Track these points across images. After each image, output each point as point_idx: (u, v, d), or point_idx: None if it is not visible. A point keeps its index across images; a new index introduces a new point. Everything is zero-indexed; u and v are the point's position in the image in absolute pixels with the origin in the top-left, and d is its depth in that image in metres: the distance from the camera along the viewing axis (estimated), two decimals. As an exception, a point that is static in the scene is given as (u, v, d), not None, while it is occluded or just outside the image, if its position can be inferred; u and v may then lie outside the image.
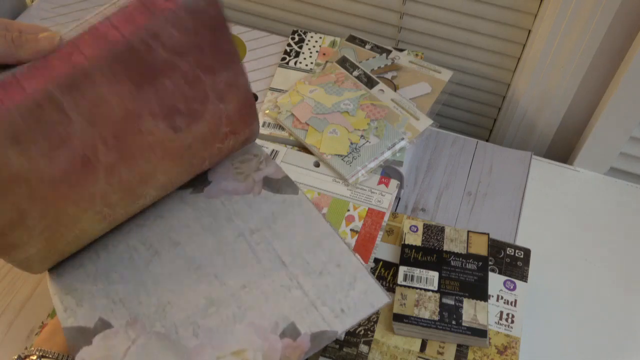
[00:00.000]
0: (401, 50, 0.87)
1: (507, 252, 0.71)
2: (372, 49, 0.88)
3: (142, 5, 0.51)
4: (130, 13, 0.51)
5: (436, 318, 0.64)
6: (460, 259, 0.68)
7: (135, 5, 0.51)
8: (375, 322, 0.66)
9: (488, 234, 0.70)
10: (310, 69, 0.88)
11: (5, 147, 0.41)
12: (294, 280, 0.45)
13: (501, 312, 0.67)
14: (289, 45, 0.91)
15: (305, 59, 0.89)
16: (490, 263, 0.70)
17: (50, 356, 0.54)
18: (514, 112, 0.91)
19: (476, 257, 0.68)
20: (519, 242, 0.75)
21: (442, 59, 0.93)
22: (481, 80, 0.94)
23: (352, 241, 0.70)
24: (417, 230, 0.71)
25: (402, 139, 0.77)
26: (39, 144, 0.41)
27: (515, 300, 0.67)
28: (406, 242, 0.70)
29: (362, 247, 0.69)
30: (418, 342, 0.65)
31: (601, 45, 0.77)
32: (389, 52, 0.87)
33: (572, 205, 0.81)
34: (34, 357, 0.53)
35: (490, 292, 0.67)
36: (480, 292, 0.65)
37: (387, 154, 0.76)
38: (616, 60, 0.78)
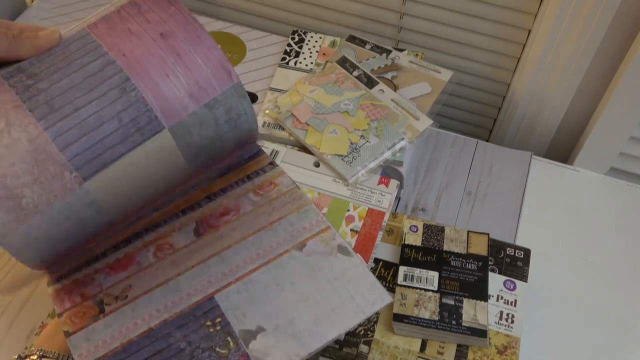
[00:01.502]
0: (401, 50, 0.87)
1: (507, 252, 0.71)
2: (372, 49, 0.88)
3: (133, 7, 0.51)
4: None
5: (436, 318, 0.64)
6: (460, 259, 0.68)
7: (125, 7, 0.52)
8: (375, 322, 0.66)
9: (488, 234, 0.70)
10: (310, 69, 0.88)
11: None
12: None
13: (501, 312, 0.67)
14: (289, 45, 0.91)
15: (305, 59, 0.89)
16: (490, 263, 0.70)
17: (50, 356, 0.53)
18: (514, 112, 0.91)
19: (476, 257, 0.68)
20: (519, 242, 0.75)
21: (442, 59, 0.93)
22: (481, 80, 0.94)
23: (352, 241, 0.70)
24: (417, 230, 0.71)
25: (402, 139, 0.77)
26: None
27: (515, 300, 0.67)
28: (406, 242, 0.70)
29: (362, 247, 0.69)
30: (418, 342, 0.65)
31: (601, 45, 0.77)
32: (389, 52, 0.87)
33: (572, 205, 0.81)
34: (35, 357, 0.53)
35: (490, 292, 0.67)
36: (480, 292, 0.65)
37: (387, 154, 0.76)
38: (616, 60, 0.78)
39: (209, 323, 0.53)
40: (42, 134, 0.48)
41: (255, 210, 0.58)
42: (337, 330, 0.52)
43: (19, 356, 0.54)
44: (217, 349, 0.52)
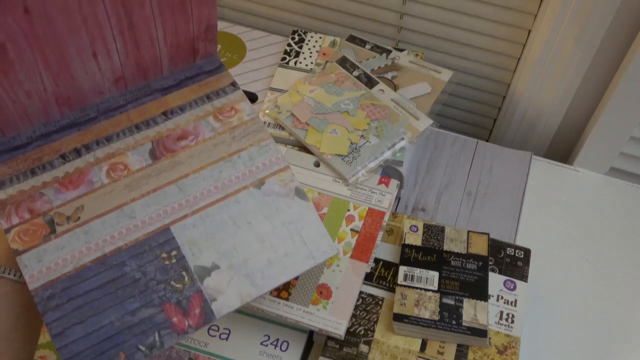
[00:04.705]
0: (401, 50, 0.87)
1: (507, 252, 0.71)
2: (372, 49, 0.88)
3: None
4: None
5: (436, 318, 0.64)
6: (460, 259, 0.68)
7: None
8: (376, 322, 0.66)
9: (488, 234, 0.70)
10: (310, 69, 0.88)
11: None
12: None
13: (501, 312, 0.67)
14: (289, 45, 0.91)
15: (305, 59, 0.89)
16: (490, 263, 0.70)
17: None
18: (514, 112, 0.91)
19: (476, 257, 0.68)
20: (519, 242, 0.75)
21: (442, 59, 0.93)
22: (481, 80, 0.94)
23: (353, 241, 0.70)
24: (417, 230, 0.71)
25: (402, 138, 0.77)
26: None
27: (515, 300, 0.67)
28: (406, 242, 0.70)
29: (362, 247, 0.69)
30: (418, 342, 0.65)
31: (601, 45, 0.77)
32: (389, 52, 0.87)
33: (572, 205, 0.81)
34: None
35: (490, 292, 0.67)
36: (480, 292, 0.65)
37: (387, 154, 0.76)
38: (616, 60, 0.78)
39: (164, 255, 0.52)
40: None
41: (215, 138, 0.56)
42: (288, 274, 0.52)
43: None
44: (172, 283, 0.51)
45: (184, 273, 0.51)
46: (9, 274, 0.51)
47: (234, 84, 0.59)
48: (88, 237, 0.52)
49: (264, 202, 0.54)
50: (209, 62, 0.59)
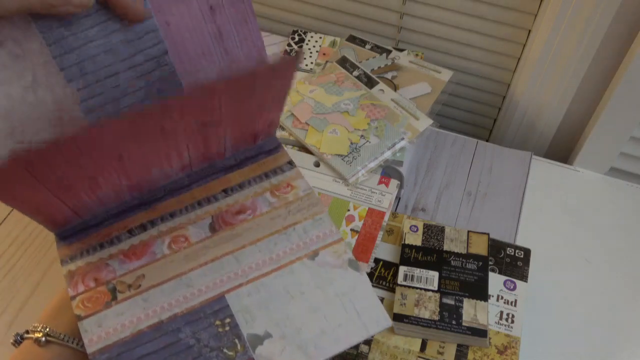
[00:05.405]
0: (401, 50, 0.87)
1: (507, 252, 0.71)
2: (372, 49, 0.88)
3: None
4: None
5: (436, 318, 0.64)
6: (460, 259, 0.68)
7: None
8: (375, 322, 0.66)
9: (488, 234, 0.70)
10: (311, 69, 0.88)
11: None
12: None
13: (501, 312, 0.67)
14: (289, 45, 0.91)
15: (305, 59, 0.89)
16: (490, 263, 0.70)
17: (56, 337, 0.52)
18: (514, 112, 0.91)
19: (476, 257, 0.68)
20: (519, 242, 0.75)
21: (442, 59, 0.93)
22: (481, 80, 0.94)
23: (352, 241, 0.70)
24: (417, 230, 0.71)
25: (402, 138, 0.77)
26: None
27: (515, 300, 0.67)
28: (406, 242, 0.70)
29: (362, 247, 0.69)
30: (418, 342, 0.65)
31: (601, 45, 0.77)
32: (389, 52, 0.87)
33: (572, 205, 0.81)
34: (40, 335, 0.52)
35: (490, 292, 0.67)
36: (480, 292, 0.65)
37: (387, 154, 0.76)
38: (616, 60, 0.78)
39: (218, 322, 0.53)
40: (69, 97, 0.48)
41: (271, 212, 0.58)
42: (341, 345, 0.52)
43: (17, 334, 0.52)
44: (225, 350, 0.52)
45: (236, 340, 0.52)
46: (72, 342, 0.53)
47: (290, 163, 0.61)
48: (147, 304, 0.54)
49: (318, 273, 0.55)
50: (268, 142, 0.62)
